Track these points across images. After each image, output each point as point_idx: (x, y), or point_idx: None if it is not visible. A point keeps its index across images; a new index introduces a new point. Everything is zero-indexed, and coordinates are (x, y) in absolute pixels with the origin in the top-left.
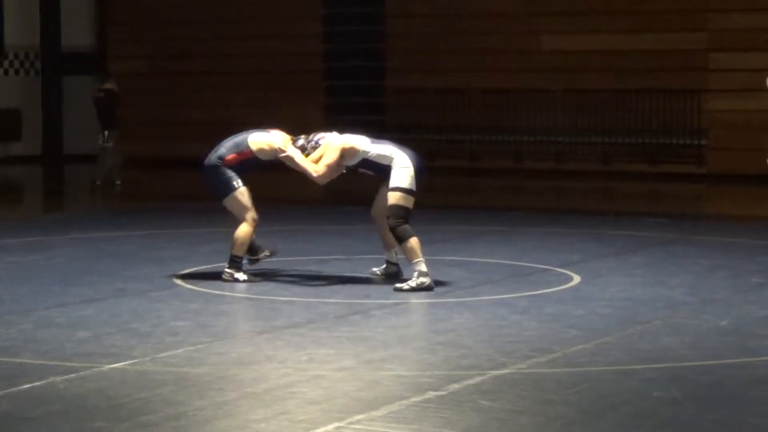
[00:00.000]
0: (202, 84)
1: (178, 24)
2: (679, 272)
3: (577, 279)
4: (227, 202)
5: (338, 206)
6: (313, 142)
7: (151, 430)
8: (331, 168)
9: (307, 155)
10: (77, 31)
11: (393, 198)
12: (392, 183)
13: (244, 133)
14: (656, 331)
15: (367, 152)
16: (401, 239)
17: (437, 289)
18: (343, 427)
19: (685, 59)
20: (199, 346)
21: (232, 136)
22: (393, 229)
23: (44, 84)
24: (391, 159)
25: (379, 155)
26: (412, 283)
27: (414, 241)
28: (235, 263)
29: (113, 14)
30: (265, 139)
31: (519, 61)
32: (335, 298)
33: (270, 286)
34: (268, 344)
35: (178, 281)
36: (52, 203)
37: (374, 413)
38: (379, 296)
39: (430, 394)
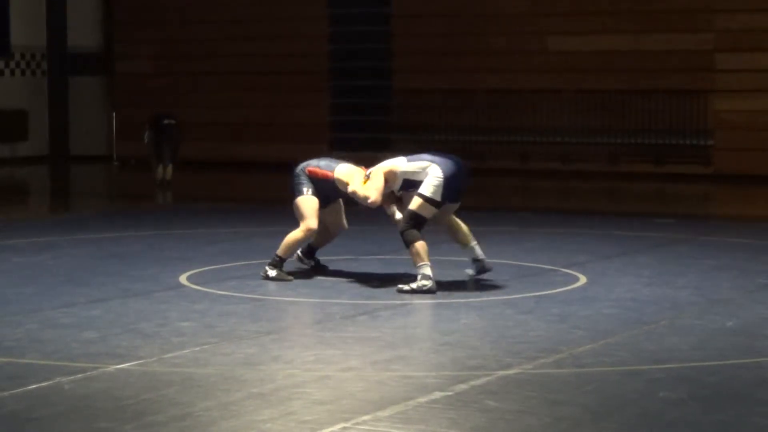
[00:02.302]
0: (207, 84)
1: (183, 25)
2: (686, 273)
3: (583, 279)
4: (294, 204)
5: (344, 207)
6: (367, 174)
7: (157, 431)
8: (378, 191)
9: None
10: (83, 32)
11: (413, 203)
12: (419, 189)
13: (341, 161)
14: (662, 331)
15: (404, 172)
16: (408, 243)
17: (443, 290)
18: (349, 427)
19: (692, 59)
20: (205, 346)
21: (331, 158)
22: (401, 233)
23: (51, 84)
24: (426, 172)
25: (414, 171)
26: (414, 285)
27: (420, 245)
28: (275, 261)
29: (119, 15)
30: (350, 173)
31: (525, 61)
32: (341, 298)
33: (276, 286)
34: (274, 345)
35: (184, 282)
36: (58, 204)
37: (380, 414)
38: (385, 297)
39: (437, 395)
